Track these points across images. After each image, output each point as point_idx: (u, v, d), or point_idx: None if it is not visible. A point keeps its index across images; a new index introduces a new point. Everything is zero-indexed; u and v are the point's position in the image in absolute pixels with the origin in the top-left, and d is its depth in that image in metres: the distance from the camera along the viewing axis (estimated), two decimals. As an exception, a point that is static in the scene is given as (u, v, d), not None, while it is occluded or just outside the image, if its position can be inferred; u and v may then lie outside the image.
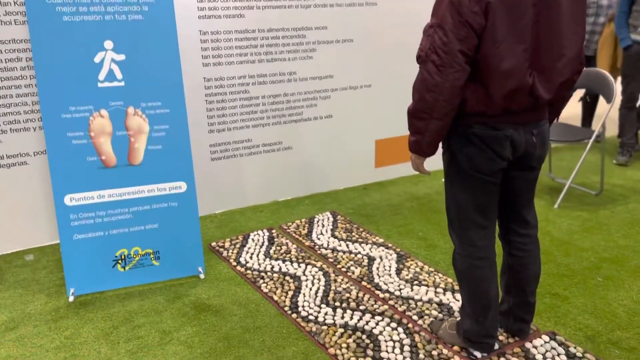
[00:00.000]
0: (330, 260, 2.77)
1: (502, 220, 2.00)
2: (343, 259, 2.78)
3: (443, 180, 1.92)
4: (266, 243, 2.95)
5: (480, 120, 1.72)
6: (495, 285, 1.91)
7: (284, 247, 2.90)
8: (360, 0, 3.44)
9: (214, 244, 2.95)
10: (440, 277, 2.58)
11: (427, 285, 2.51)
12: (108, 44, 2.35)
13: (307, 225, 3.18)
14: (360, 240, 2.98)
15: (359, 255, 2.81)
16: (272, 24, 3.20)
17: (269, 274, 2.63)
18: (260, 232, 3.09)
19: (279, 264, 2.72)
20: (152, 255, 2.53)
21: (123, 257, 2.49)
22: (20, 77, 2.69)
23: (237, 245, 2.93)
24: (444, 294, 2.44)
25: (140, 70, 2.39)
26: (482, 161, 1.75)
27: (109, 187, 2.43)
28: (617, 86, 4.59)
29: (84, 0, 2.29)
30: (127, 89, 2.38)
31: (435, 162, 1.95)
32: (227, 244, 2.94)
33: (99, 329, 2.23)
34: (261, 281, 2.57)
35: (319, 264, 2.72)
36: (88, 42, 2.32)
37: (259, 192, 3.50)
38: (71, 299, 2.41)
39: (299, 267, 2.69)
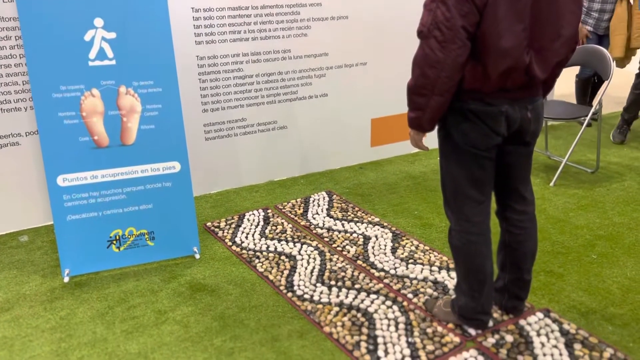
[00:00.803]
0: (326, 239, 2.77)
1: (498, 196, 1.99)
2: (338, 238, 2.78)
3: (439, 158, 1.91)
4: (261, 223, 2.95)
5: (476, 96, 1.71)
6: (491, 262, 1.91)
7: (280, 227, 2.90)
8: (356, -24, 3.38)
9: (209, 224, 2.94)
10: (435, 256, 2.59)
11: (422, 264, 2.52)
12: (98, 22, 2.30)
13: (302, 204, 3.17)
14: (355, 219, 2.98)
15: (355, 235, 2.81)
16: (266, 1, 3.14)
17: (264, 253, 2.63)
18: (255, 212, 3.08)
19: (274, 244, 2.72)
20: (146, 236, 2.52)
21: (117, 237, 2.49)
22: (9, 56, 2.64)
23: (233, 225, 2.92)
24: (439, 272, 2.45)
25: (131, 49, 2.35)
26: (477, 137, 1.74)
27: (102, 167, 2.41)
28: (631, 66, 4.56)
29: (72, -24, 2.23)
30: (119, 67, 2.35)
31: (430, 141, 1.94)
32: (222, 224, 2.94)
33: (94, 309, 2.23)
34: (256, 261, 2.57)
35: (314, 243, 2.72)
36: (78, 20, 2.27)
37: (254, 172, 3.48)
38: (66, 279, 2.41)
39: (295, 246, 2.69)
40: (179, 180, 2.53)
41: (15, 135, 2.75)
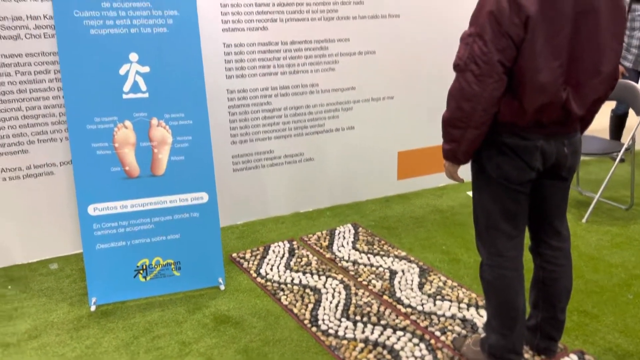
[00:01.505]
0: (351, 273, 2.73)
1: (533, 232, 1.95)
2: (364, 272, 2.74)
3: (468, 192, 1.89)
4: (287, 255, 2.94)
5: (511, 130, 1.70)
6: (523, 298, 1.86)
7: (305, 259, 2.88)
8: (383, 12, 3.43)
9: (234, 254, 2.95)
10: (463, 292, 2.53)
11: (450, 300, 2.46)
12: (133, 57, 2.38)
13: (328, 237, 3.15)
14: (382, 253, 2.94)
15: (381, 269, 2.77)
16: (295, 37, 3.21)
17: (289, 286, 2.61)
18: (281, 243, 3.08)
19: (299, 276, 2.70)
20: (173, 266, 2.54)
21: (144, 267, 2.51)
22: (48, 89, 2.74)
23: (258, 257, 2.92)
24: (468, 310, 2.38)
25: (164, 82, 2.42)
26: (512, 170, 1.72)
27: (132, 197, 2.45)
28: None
29: (111, 14, 2.33)
30: (151, 100, 2.41)
31: (463, 173, 1.92)
32: (247, 255, 2.94)
33: (119, 339, 2.23)
34: (281, 293, 2.55)
35: (339, 276, 2.69)
36: (114, 55, 2.36)
37: (280, 203, 3.49)
38: (93, 308, 2.43)
39: (320, 279, 2.67)
40: (207, 211, 2.55)
41: (50, 165, 2.83)
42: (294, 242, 3.09)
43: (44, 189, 2.85)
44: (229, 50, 3.08)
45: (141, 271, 2.51)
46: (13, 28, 2.61)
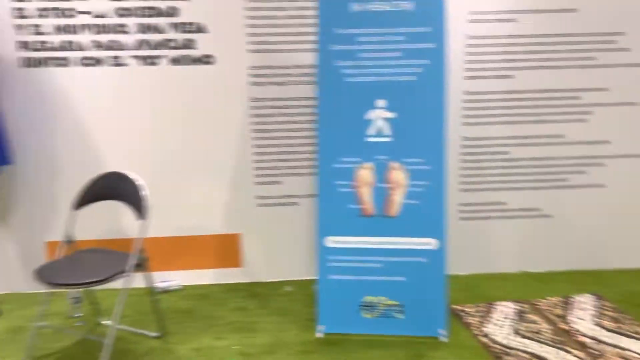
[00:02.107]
0: (591, 351, 2.38)
1: None
2: (608, 352, 2.36)
3: None
4: (514, 317, 2.71)
5: None
6: None
7: (535, 325, 2.62)
8: (652, 58, 3.03)
9: (456, 306, 2.83)
10: None
11: None
12: (380, 103, 2.52)
13: (563, 305, 2.82)
14: (635, 335, 2.51)
15: (630, 354, 2.35)
16: (543, 85, 3.03)
17: (515, 351, 2.39)
18: (507, 303, 2.86)
19: (529, 343, 2.46)
20: (397, 308, 2.55)
21: (370, 304, 2.57)
22: (301, 129, 3.07)
23: (482, 314, 2.75)
24: None
25: (407, 128, 2.50)
26: None
27: (365, 234, 2.55)
28: None
29: (367, 63, 2.52)
30: (393, 144, 2.51)
31: None
32: (470, 310, 2.80)
33: (341, 370, 2.31)
34: (507, 358, 2.35)
35: (575, 351, 2.37)
36: (363, 101, 2.53)
37: (507, 259, 3.26)
38: (319, 335, 2.58)
39: (552, 351, 2.39)
40: (435, 257, 2.51)
41: (296, 197, 3.15)
42: (523, 305, 2.84)
43: (289, 217, 3.17)
44: (469, 98, 3.05)
45: (366, 307, 2.58)
46: (281, 75, 3.01)
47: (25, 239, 3.10)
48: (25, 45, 2.89)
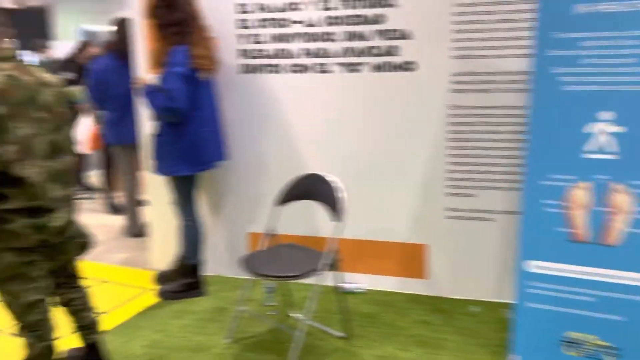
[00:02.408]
0: None
1: None
2: None
3: None
4: None
5: None
6: None
7: None
8: None
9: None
10: None
11: None
12: (604, 115, 2.22)
13: None
14: None
15: None
16: None
17: None
18: None
19: None
20: (610, 351, 2.22)
21: (575, 340, 2.28)
22: (501, 140, 2.87)
23: None
24: None
25: (638, 145, 2.16)
26: None
27: (575, 262, 2.28)
28: None
29: (590, 70, 2.24)
30: (619, 163, 2.19)
31: None
32: None
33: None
34: None
35: None
36: (580, 112, 2.26)
37: None
38: (512, 365, 2.37)
39: None
40: (663, 299, 2.13)
41: (491, 212, 2.95)
42: None
43: (480, 233, 2.98)
44: None
45: (570, 344, 2.29)
46: (485, 82, 2.85)
47: (232, 228, 3.42)
48: (244, 53, 3.19)
